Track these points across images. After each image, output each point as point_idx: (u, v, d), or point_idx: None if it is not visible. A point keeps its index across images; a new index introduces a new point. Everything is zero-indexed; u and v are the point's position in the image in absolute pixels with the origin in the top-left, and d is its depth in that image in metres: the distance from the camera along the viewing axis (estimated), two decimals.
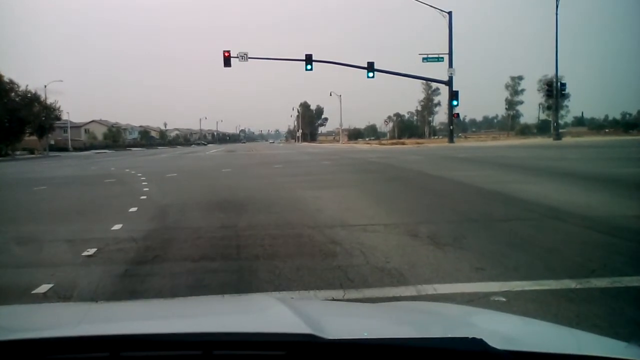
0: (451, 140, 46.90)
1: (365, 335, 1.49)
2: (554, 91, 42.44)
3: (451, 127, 48.25)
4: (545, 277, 4.39)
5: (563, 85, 42.56)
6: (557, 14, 42.49)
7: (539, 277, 4.39)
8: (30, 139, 65.08)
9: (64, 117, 77.59)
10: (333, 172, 16.79)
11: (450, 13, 46.99)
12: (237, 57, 43.33)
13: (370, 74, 45.01)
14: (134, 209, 9.06)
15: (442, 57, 46.69)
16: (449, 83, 46.84)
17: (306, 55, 44.17)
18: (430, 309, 2.29)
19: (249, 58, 44.03)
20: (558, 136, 42.56)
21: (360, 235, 6.22)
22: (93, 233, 7.04)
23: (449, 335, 1.54)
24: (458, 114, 47.87)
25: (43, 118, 62.82)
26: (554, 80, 42.67)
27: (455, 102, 46.65)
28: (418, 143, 57.27)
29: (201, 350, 1.24)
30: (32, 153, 61.75)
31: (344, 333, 1.43)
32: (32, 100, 61.35)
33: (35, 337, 1.38)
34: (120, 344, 1.29)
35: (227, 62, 42.30)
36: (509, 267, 4.73)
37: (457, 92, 46.70)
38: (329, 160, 24.70)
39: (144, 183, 14.01)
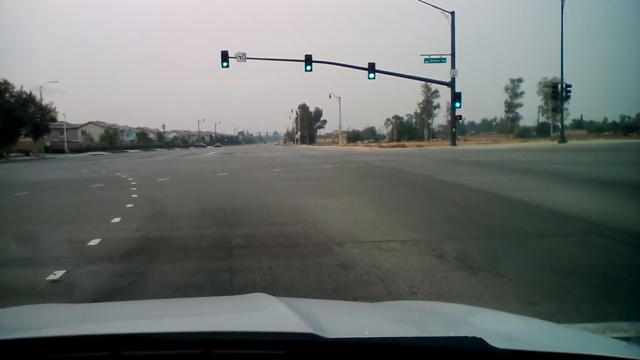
0: (453, 143, 45.98)
1: (365, 334, 1.49)
2: (559, 93, 41.58)
3: (453, 130, 47.37)
4: (618, 317, 3.46)
5: (568, 87, 41.68)
6: (562, 16, 41.72)
7: (609, 317, 3.47)
8: (25, 140, 64.02)
9: (60, 118, 76.71)
10: (336, 177, 15.83)
11: (452, 13, 46.12)
12: (236, 57, 42.41)
13: (371, 75, 44.11)
14: (117, 220, 8.11)
15: (445, 58, 45.77)
16: (452, 84, 45.93)
17: (306, 55, 43.26)
18: (430, 308, 2.27)
19: (248, 58, 43.11)
20: (563, 139, 41.67)
21: (375, 256, 5.28)
22: (66, 249, 6.12)
23: (449, 335, 1.55)
24: (461, 116, 46.92)
25: (38, 119, 61.74)
26: (559, 82, 41.80)
27: (457, 104, 45.70)
28: (419, 145, 56.34)
29: (201, 349, 1.24)
30: (28, 155, 60.66)
31: (344, 332, 1.43)
32: (27, 101, 60.28)
33: (36, 336, 1.41)
34: (121, 343, 1.28)
35: (224, 61, 41.38)
36: (567, 302, 3.80)
37: (459, 93, 45.78)
38: (331, 163, 23.69)
39: (133, 189, 13.06)
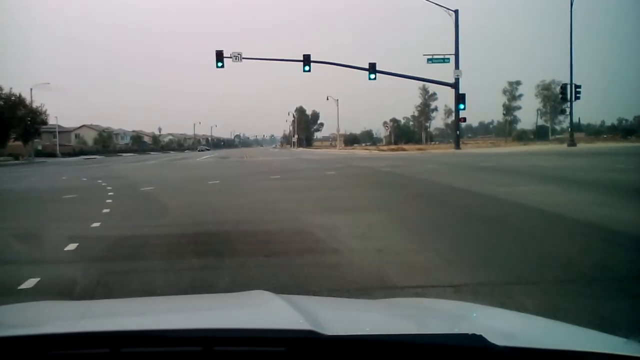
0: (457, 147, 44.24)
1: (365, 331, 1.48)
2: (569, 95, 39.87)
3: (457, 133, 45.64)
4: None
5: (578, 87, 39.97)
6: (571, 16, 40.10)
7: None
8: (16, 144, 62.03)
9: (52, 121, 74.98)
10: (343, 186, 13.88)
11: (456, 11, 44.48)
12: (231, 57, 40.67)
13: (372, 76, 42.46)
14: (72, 247, 6.24)
15: (448, 58, 44.13)
16: (455, 85, 44.25)
17: (304, 55, 41.59)
18: (429, 305, 2.23)
19: (243, 58, 41.40)
20: (572, 142, 39.98)
21: None
22: None
23: (449, 331, 1.55)
24: (465, 118, 45.28)
25: (28, 122, 59.82)
26: (568, 83, 40.11)
27: (462, 106, 44.06)
28: (420, 149, 54.57)
29: (201, 346, 1.23)
30: (17, 159, 58.67)
31: (344, 329, 1.41)
32: (16, 103, 58.34)
33: (36, 333, 1.41)
34: (121, 340, 1.28)
35: (219, 61, 39.60)
36: None
37: (463, 95, 44.14)
38: (334, 169, 21.70)
39: (108, 201, 11.22)
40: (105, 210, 9.64)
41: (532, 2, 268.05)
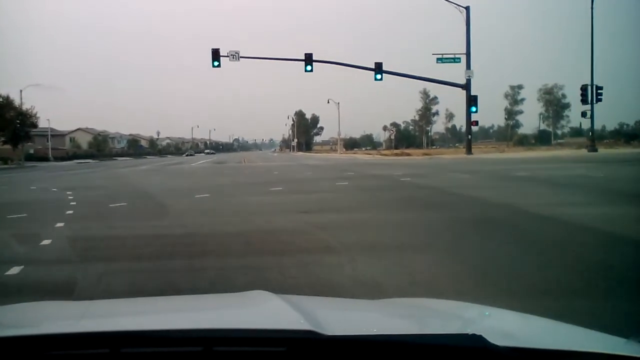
0: (469, 152, 41.42)
1: (364, 331, 1.47)
2: (589, 96, 37.14)
3: (469, 137, 42.81)
4: None
5: (600, 89, 37.26)
6: (592, 16, 37.49)
7: None
8: (6, 148, 59.28)
9: (44, 124, 72.31)
10: (365, 204, 10.88)
11: (467, 8, 41.77)
12: (228, 56, 37.94)
13: (378, 76, 39.74)
14: None
15: (459, 58, 41.43)
16: (467, 86, 41.50)
17: (305, 54, 38.89)
18: (429, 305, 2.19)
19: (241, 57, 38.66)
20: (593, 148, 37.18)
21: None
22: None
23: (449, 332, 1.55)
24: (477, 122, 42.36)
25: (18, 125, 57.09)
26: (589, 84, 37.38)
27: (474, 109, 41.23)
28: (426, 154, 51.81)
29: (202, 346, 1.22)
30: (6, 163, 55.93)
31: (343, 329, 1.40)
32: (3, 105, 55.64)
33: (36, 334, 1.40)
34: (121, 340, 1.27)
35: (215, 60, 36.87)
36: None
37: (475, 97, 41.39)
38: (344, 178, 18.57)
39: (58, 225, 8.43)
40: (44, 242, 6.87)
41: (532, 5, 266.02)
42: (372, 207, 10.34)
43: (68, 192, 15.00)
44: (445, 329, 1.61)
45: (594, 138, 38.78)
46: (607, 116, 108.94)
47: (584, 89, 37.44)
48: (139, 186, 18.33)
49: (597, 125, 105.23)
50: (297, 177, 20.44)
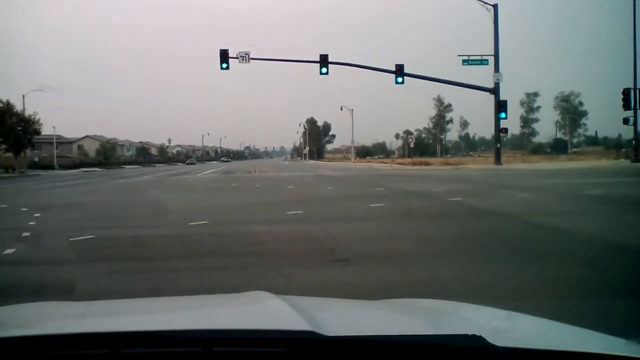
0: (498, 162, 38.17)
1: (364, 332, 1.44)
2: (632, 102, 33.86)
3: (498, 145, 39.50)
4: None
5: None
6: (634, 17, 34.28)
7: None
8: (8, 155, 56.94)
9: (49, 131, 70.18)
10: (424, 242, 7.52)
11: (495, 6, 38.74)
12: (237, 58, 35.17)
13: (400, 79, 36.76)
14: None
15: (487, 60, 38.33)
16: (495, 91, 38.33)
17: (321, 55, 36.07)
18: (428, 305, 2.17)
19: (251, 59, 35.87)
20: (637, 158, 33.92)
21: None
22: None
23: (448, 332, 1.52)
24: (506, 129, 39.32)
25: (20, 132, 54.75)
26: (632, 88, 34.11)
27: (503, 115, 38.11)
28: (447, 163, 48.61)
29: (202, 346, 1.21)
30: (7, 171, 53.58)
31: (344, 330, 1.37)
32: (4, 111, 53.28)
33: (37, 334, 1.37)
34: (121, 341, 1.26)
35: (224, 61, 34.09)
36: None
37: (505, 102, 38.29)
38: (377, 197, 14.79)
39: None
40: None
41: (542, 10, 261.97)
42: (441, 251, 6.92)
43: (36, 214, 12.06)
44: (445, 329, 1.61)
45: (637, 147, 35.43)
46: (622, 124, 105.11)
47: (626, 92, 34.14)
48: (126, 204, 15.32)
49: (614, 133, 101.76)
50: (317, 195, 16.96)
